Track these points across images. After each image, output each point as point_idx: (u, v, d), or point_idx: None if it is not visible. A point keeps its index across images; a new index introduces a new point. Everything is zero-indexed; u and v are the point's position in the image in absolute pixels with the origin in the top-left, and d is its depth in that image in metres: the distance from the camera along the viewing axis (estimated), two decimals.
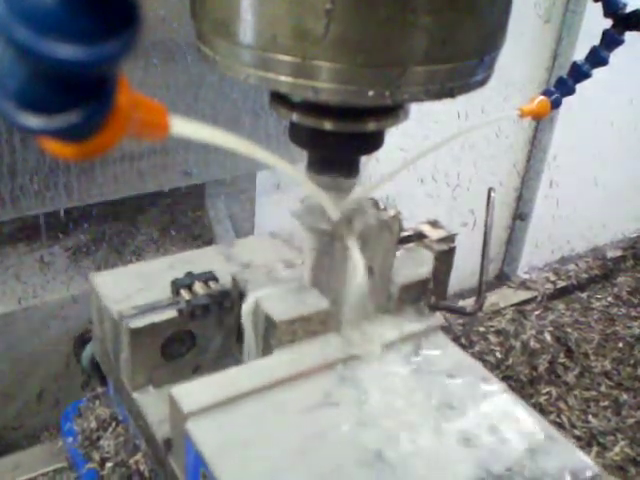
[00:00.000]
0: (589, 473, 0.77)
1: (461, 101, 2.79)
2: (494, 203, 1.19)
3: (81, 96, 0.47)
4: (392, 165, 2.99)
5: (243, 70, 0.66)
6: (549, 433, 0.81)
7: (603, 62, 1.08)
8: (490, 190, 1.20)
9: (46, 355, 1.99)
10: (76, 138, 0.49)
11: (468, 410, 0.83)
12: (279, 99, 0.76)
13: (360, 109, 0.73)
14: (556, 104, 1.10)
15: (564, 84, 1.09)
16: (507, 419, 0.82)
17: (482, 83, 0.73)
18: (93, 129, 0.49)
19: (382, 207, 0.89)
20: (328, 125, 0.73)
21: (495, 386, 0.88)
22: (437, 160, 2.74)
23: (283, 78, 0.64)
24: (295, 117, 0.75)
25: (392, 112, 0.77)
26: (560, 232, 3.22)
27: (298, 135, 0.80)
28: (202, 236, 2.20)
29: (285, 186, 2.46)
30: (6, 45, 0.42)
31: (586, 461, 0.79)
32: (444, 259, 1.06)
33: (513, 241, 3.23)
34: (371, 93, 0.63)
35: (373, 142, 0.80)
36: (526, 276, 2.84)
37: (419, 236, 1.07)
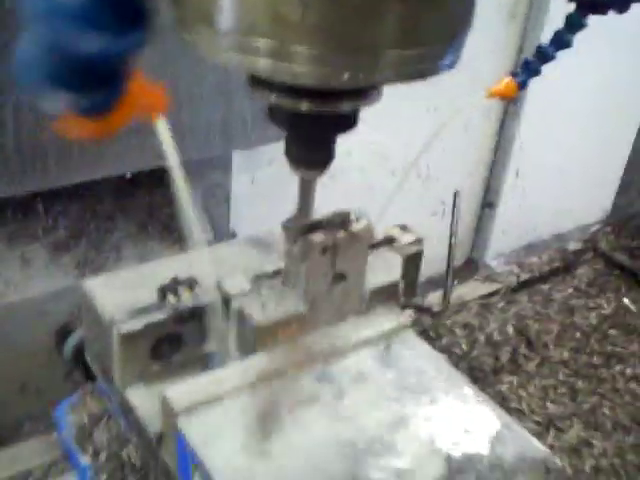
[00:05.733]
0: (542, 458, 0.85)
1: (430, 96, 2.88)
2: (460, 207, 1.28)
3: (102, 80, 0.58)
4: (363, 158, 3.05)
5: (223, 55, 0.69)
6: (506, 422, 0.90)
7: (566, 45, 1.11)
8: (455, 194, 1.28)
9: (28, 349, 2.03)
10: (93, 116, 0.61)
11: (434, 403, 0.91)
12: (257, 82, 0.78)
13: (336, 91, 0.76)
14: (522, 85, 1.15)
15: (529, 66, 1.14)
16: (468, 411, 0.91)
17: (451, 66, 0.77)
18: (109, 109, 0.61)
19: (354, 218, 0.97)
20: (305, 106, 0.76)
21: (458, 380, 0.97)
22: (407, 153, 2.81)
23: (262, 62, 0.67)
24: (273, 99, 0.78)
25: (366, 93, 0.81)
26: (527, 220, 3.32)
27: (276, 116, 0.83)
28: (179, 231, 2.24)
29: (259, 182, 2.51)
30: (43, 35, 0.53)
31: (540, 447, 0.88)
32: (413, 261, 1.14)
33: (481, 229, 3.33)
34: (346, 76, 0.67)
35: (348, 121, 0.84)
36: (493, 263, 2.94)
37: (389, 240, 1.14)
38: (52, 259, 2.07)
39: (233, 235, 2.47)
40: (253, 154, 2.44)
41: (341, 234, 0.93)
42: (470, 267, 3.33)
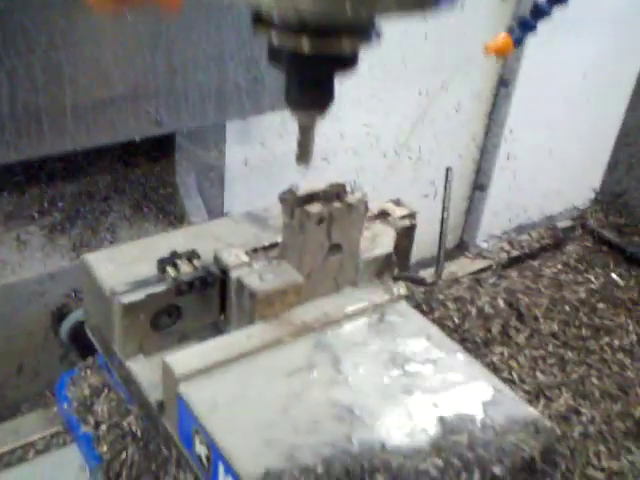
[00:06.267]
0: (532, 420, 0.88)
1: (422, 79, 2.90)
2: (452, 182, 1.30)
3: None
4: (356, 141, 3.08)
5: None
6: (498, 387, 0.93)
7: (562, 1, 1.12)
8: (448, 170, 1.30)
9: (25, 330, 2.06)
10: None
11: (427, 368, 0.94)
12: (259, 20, 0.78)
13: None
14: (518, 42, 1.15)
15: (525, 23, 1.14)
16: (461, 375, 0.94)
17: (450, 5, 0.76)
18: None
19: (350, 191, 0.99)
20: (305, 45, 0.76)
21: (451, 347, 1.00)
22: (399, 135, 2.85)
23: None
24: (274, 37, 0.78)
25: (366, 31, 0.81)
26: (517, 202, 3.36)
27: (276, 56, 0.82)
28: (173, 212, 2.27)
29: (253, 163, 2.53)
30: None
31: (530, 410, 0.91)
32: (406, 234, 1.17)
33: (472, 211, 3.37)
34: (348, 8, 0.67)
35: (347, 61, 0.83)
36: (484, 244, 2.97)
37: (383, 214, 1.17)
38: (48, 241, 2.09)
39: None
40: (246, 136, 2.46)
41: (337, 205, 0.96)
42: (461, 249, 3.37)
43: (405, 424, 0.86)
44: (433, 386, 0.91)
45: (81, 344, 1.89)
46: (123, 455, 1.05)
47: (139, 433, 1.06)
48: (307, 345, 0.96)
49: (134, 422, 1.07)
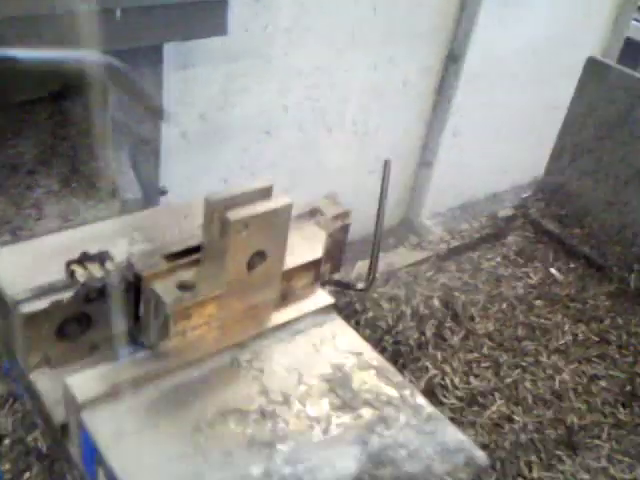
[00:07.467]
0: (462, 447, 0.84)
1: (370, 53, 2.82)
2: (389, 176, 1.24)
3: None
4: (300, 115, 2.99)
5: None
6: (431, 413, 0.87)
7: None
8: (386, 162, 1.24)
9: None
10: None
11: (355, 393, 0.88)
12: None
13: None
14: None
15: None
16: (392, 399, 0.88)
17: None
18: None
19: (275, 194, 0.91)
20: None
21: (377, 362, 0.94)
22: (345, 109, 2.76)
23: None
24: None
25: None
26: (463, 179, 3.33)
27: None
28: (104, 188, 2.16)
29: (191, 137, 2.43)
30: None
31: (461, 437, 0.86)
32: (338, 235, 1.10)
33: (417, 187, 3.32)
34: None
35: None
36: (428, 222, 2.94)
37: (315, 212, 1.10)
38: None
39: (163, 192, 2.38)
40: (183, 106, 2.35)
41: (260, 210, 0.88)
42: (406, 226, 3.33)
43: (327, 457, 0.80)
44: (360, 413, 0.86)
45: None
46: (27, 475, 0.97)
47: (44, 450, 0.98)
48: (224, 363, 0.89)
49: (40, 438, 0.99)
